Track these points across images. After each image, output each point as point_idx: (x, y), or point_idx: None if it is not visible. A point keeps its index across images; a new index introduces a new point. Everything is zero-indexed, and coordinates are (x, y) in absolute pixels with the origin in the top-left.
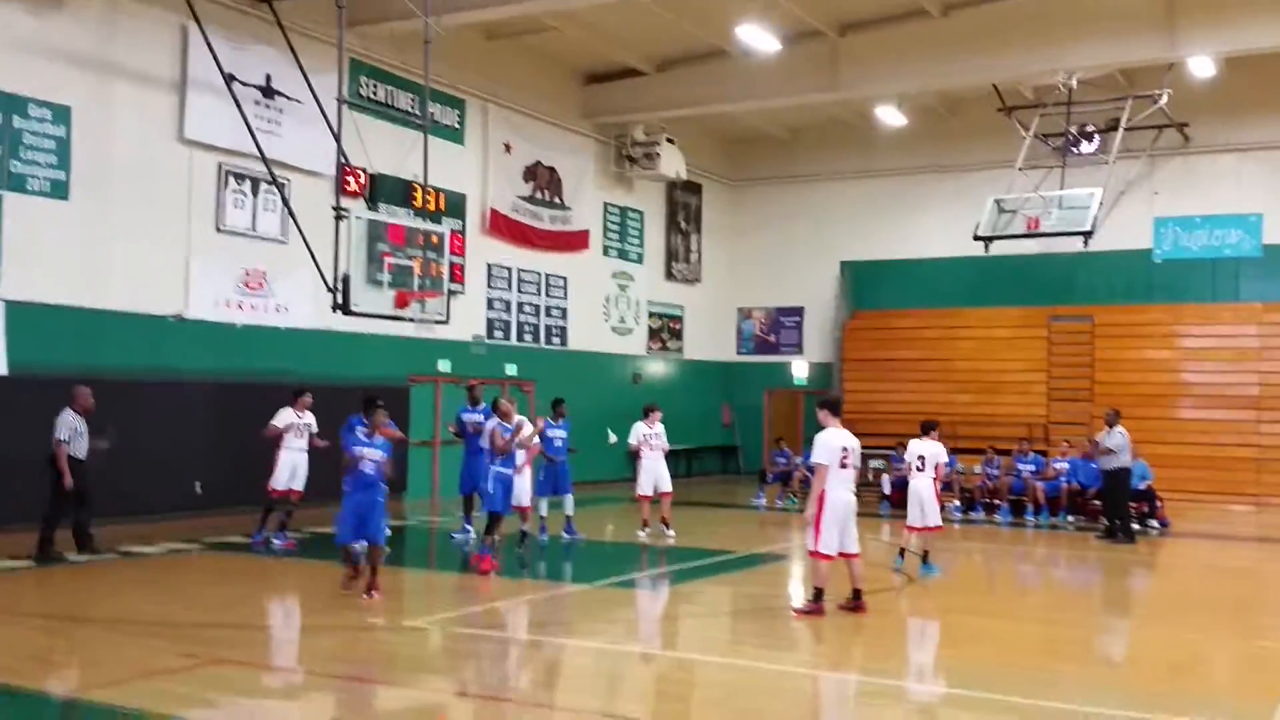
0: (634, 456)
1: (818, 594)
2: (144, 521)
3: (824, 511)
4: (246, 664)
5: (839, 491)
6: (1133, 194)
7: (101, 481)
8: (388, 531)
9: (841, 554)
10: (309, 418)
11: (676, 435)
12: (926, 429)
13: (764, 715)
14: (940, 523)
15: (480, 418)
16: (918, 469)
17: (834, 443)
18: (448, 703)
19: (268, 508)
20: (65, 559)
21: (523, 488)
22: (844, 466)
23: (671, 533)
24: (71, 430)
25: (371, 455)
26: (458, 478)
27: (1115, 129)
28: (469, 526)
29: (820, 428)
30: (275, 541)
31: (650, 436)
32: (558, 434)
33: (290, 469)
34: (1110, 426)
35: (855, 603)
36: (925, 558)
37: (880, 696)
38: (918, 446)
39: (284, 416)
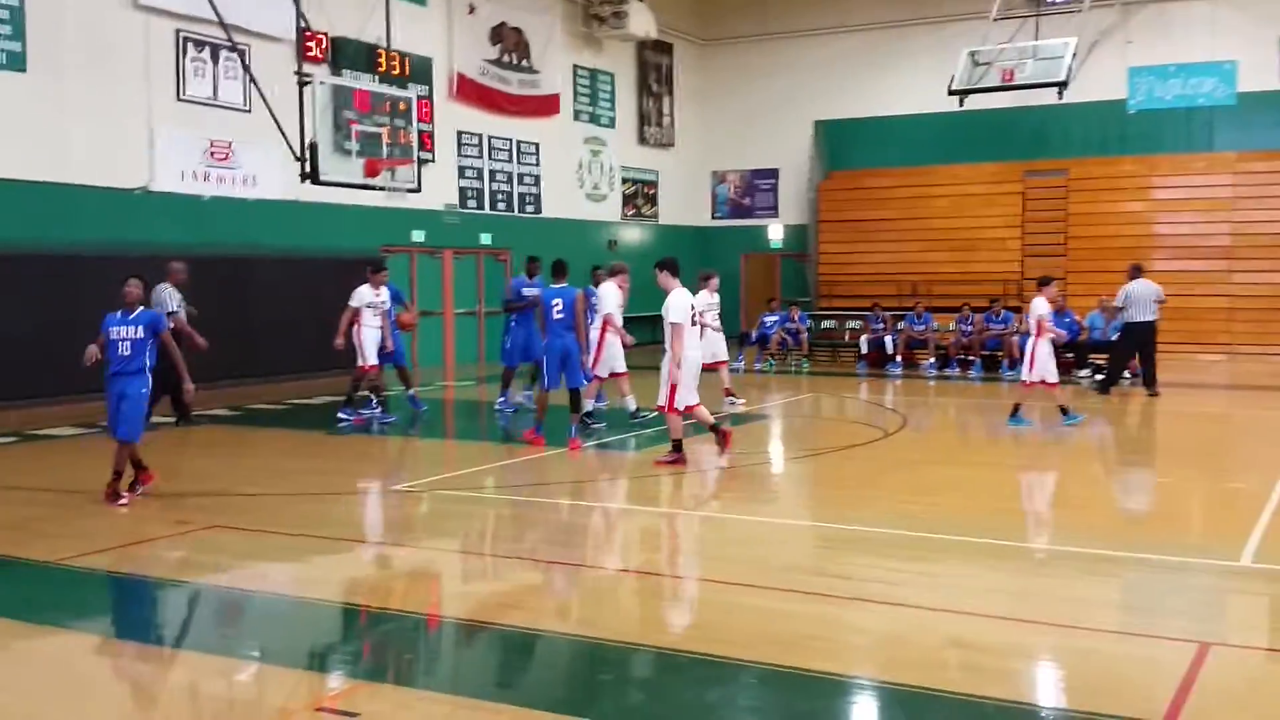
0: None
1: (677, 445)
2: None
3: (681, 370)
4: (237, 529)
5: (691, 350)
6: (1106, 44)
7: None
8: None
9: (688, 408)
10: (385, 294)
11: (653, 302)
12: (1042, 284)
13: (744, 562)
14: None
15: (537, 290)
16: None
17: (684, 302)
18: (437, 559)
19: (355, 385)
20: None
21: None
22: (693, 324)
23: (741, 401)
24: (178, 300)
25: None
26: (499, 349)
27: None
28: (507, 398)
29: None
30: (373, 413)
31: (712, 305)
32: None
33: (374, 345)
34: (1129, 280)
35: (721, 436)
36: (1066, 411)
37: (856, 542)
38: (1040, 306)
39: (361, 295)
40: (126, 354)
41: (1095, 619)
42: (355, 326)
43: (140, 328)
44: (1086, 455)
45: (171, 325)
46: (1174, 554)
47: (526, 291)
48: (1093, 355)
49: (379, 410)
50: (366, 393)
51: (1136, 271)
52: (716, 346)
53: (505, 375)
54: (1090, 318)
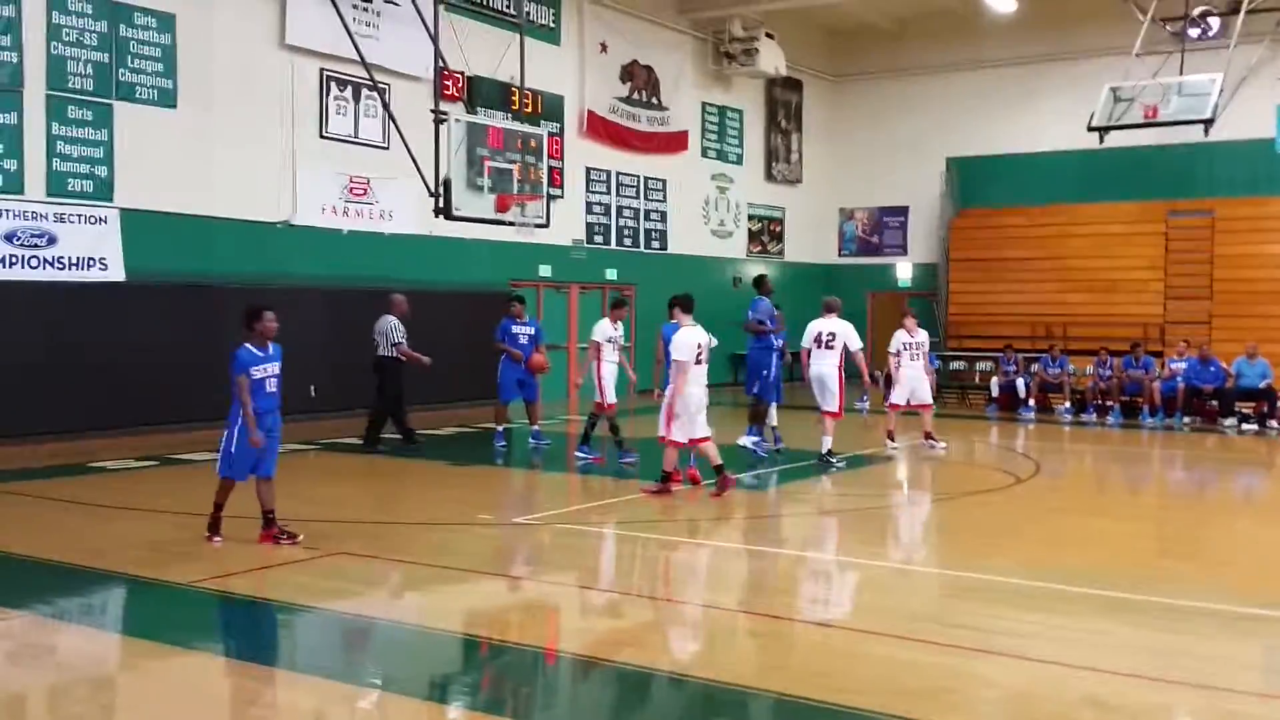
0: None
1: (665, 477)
2: None
3: (676, 405)
4: (363, 556)
5: (692, 387)
6: (1255, 80)
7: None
8: None
9: (691, 440)
10: (620, 329)
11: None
12: None
13: (870, 610)
14: None
15: (530, 329)
16: None
17: (690, 340)
18: (557, 593)
19: (592, 422)
20: (382, 450)
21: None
22: (698, 363)
23: (942, 444)
24: (401, 333)
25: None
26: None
27: (1237, 11)
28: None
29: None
30: (627, 458)
31: (911, 345)
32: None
33: (613, 381)
34: None
35: (721, 479)
36: None
37: (986, 591)
38: None
39: (602, 330)
40: (274, 390)
41: (1238, 680)
42: (596, 363)
43: (279, 363)
44: (1232, 507)
45: (397, 354)
46: None
47: (516, 330)
48: (1240, 403)
49: (620, 450)
50: (614, 433)
51: None
52: (918, 387)
53: (499, 412)
54: (1237, 364)
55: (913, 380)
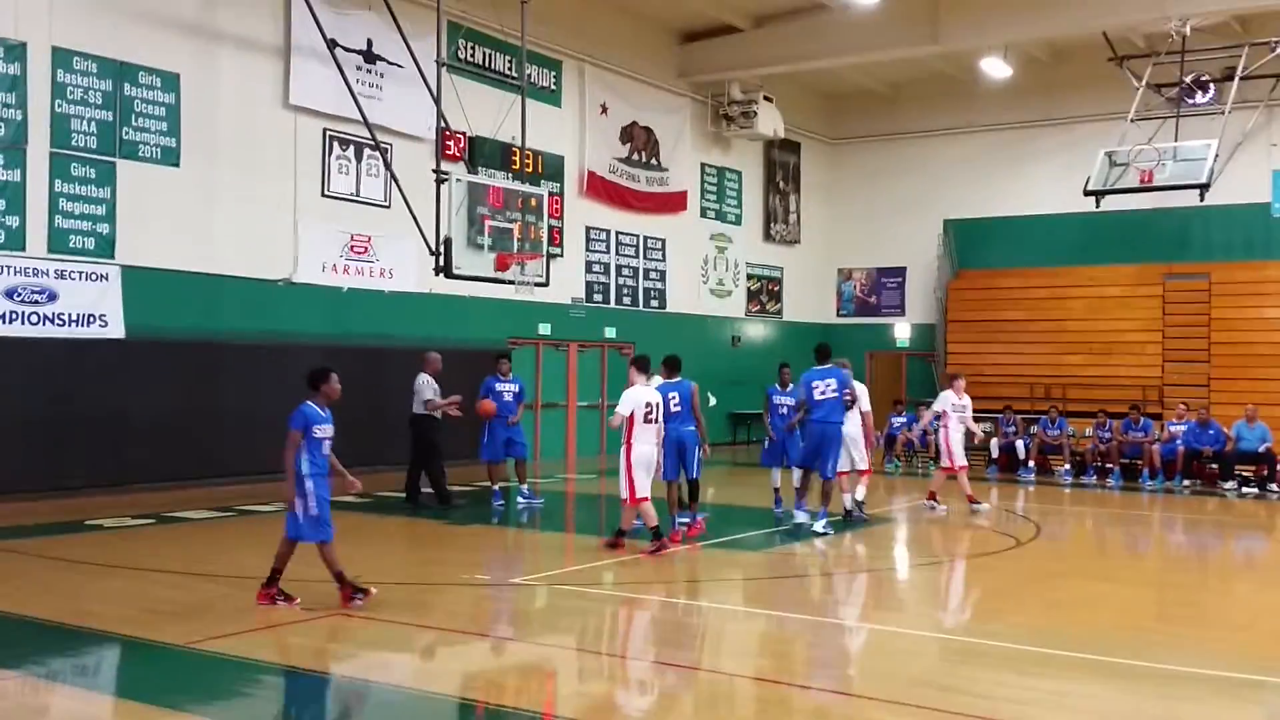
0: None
1: (656, 533)
2: (260, 481)
3: (630, 461)
4: (360, 617)
5: (641, 445)
6: (1250, 146)
7: (218, 442)
8: None
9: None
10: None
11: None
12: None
13: (871, 675)
14: None
15: (515, 386)
16: None
17: (638, 397)
18: (554, 656)
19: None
20: (424, 505)
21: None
22: (648, 421)
23: (984, 506)
24: (433, 389)
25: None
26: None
27: (1231, 78)
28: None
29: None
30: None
31: (959, 407)
32: (784, 401)
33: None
34: None
35: (657, 542)
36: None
37: (986, 656)
38: None
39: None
40: (328, 453)
41: None
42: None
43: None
44: (1232, 572)
45: (427, 410)
46: None
47: (500, 387)
48: (1239, 466)
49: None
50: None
51: None
52: (956, 449)
53: (492, 471)
54: (1236, 427)
55: (958, 444)
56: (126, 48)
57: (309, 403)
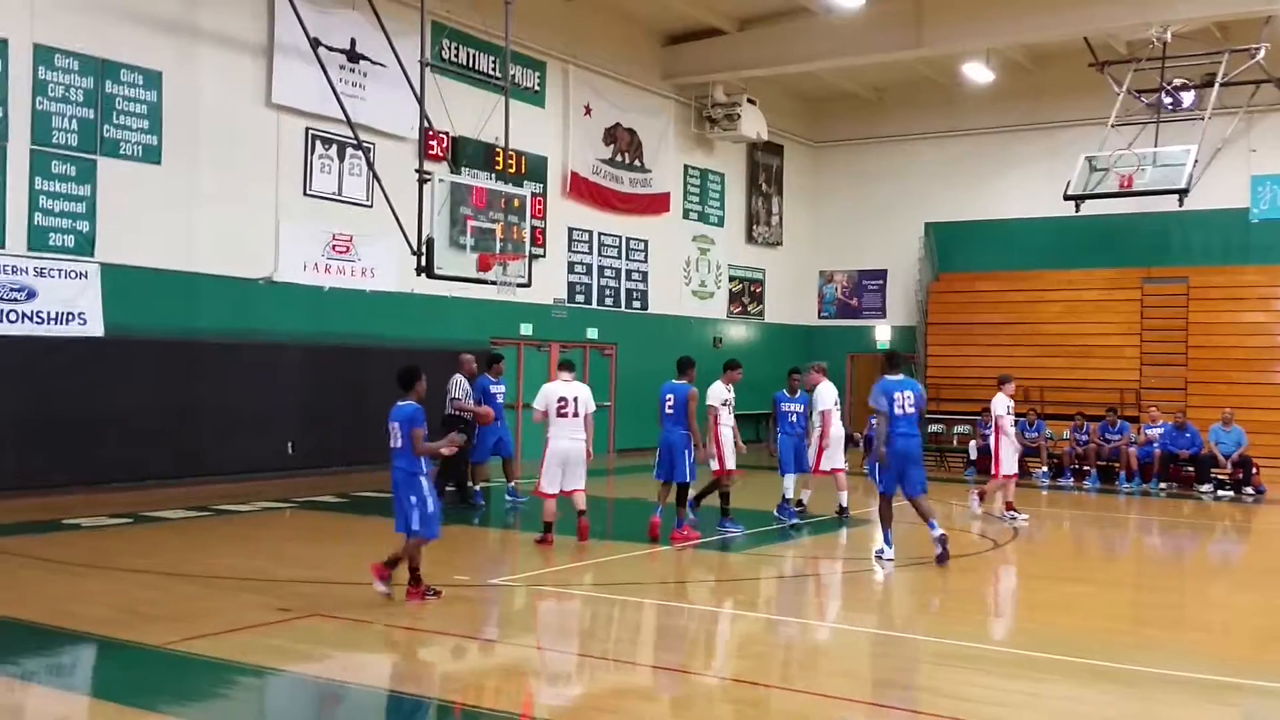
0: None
1: (546, 528)
2: (237, 480)
3: (546, 455)
4: (337, 618)
5: (558, 440)
6: (1229, 151)
7: (197, 442)
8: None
9: (563, 491)
10: (732, 392)
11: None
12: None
13: (848, 676)
14: None
15: (502, 388)
16: None
17: (551, 393)
18: (531, 656)
19: (717, 491)
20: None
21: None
22: (562, 415)
23: (1023, 517)
24: (464, 390)
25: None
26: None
27: (1211, 84)
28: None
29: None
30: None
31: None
32: (793, 408)
33: (731, 447)
34: None
35: (545, 538)
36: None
37: (964, 658)
38: None
39: (716, 393)
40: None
41: None
42: (714, 428)
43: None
44: (1208, 574)
45: (457, 411)
46: None
47: (494, 389)
48: (1215, 470)
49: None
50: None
51: None
52: (1006, 455)
53: (477, 471)
54: (1213, 431)
55: (1011, 450)
56: (108, 45)
57: (414, 404)
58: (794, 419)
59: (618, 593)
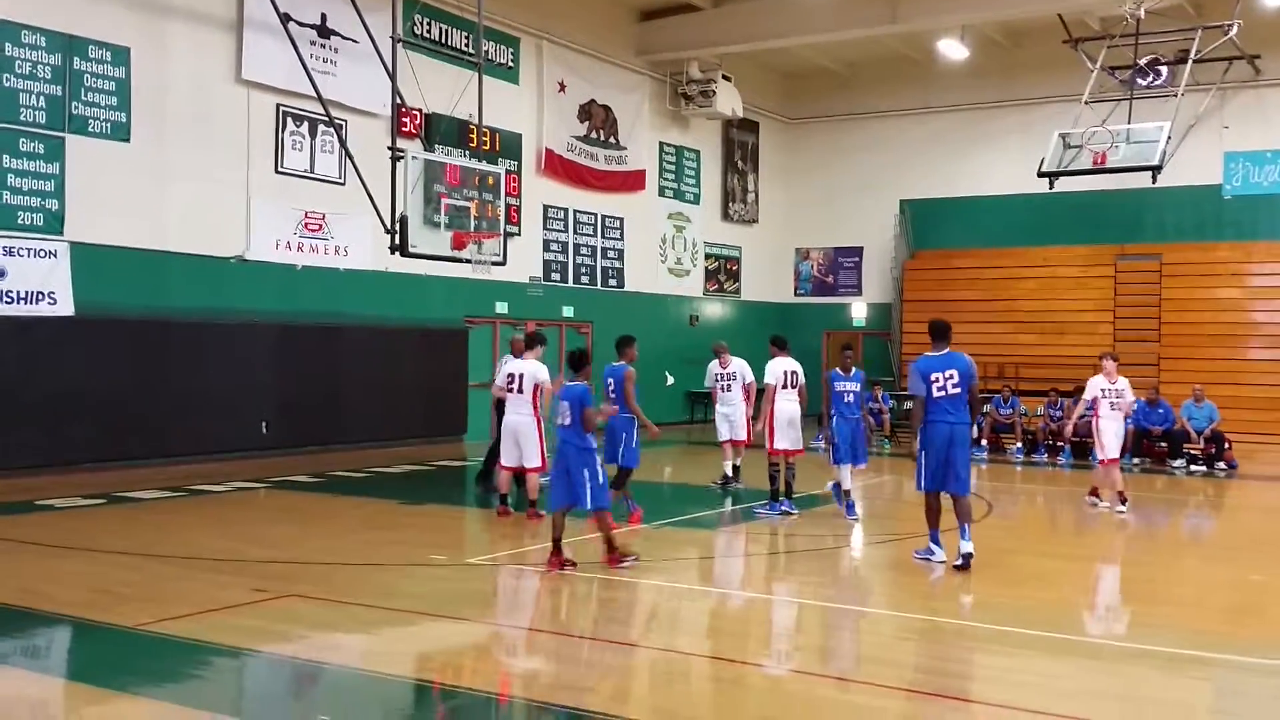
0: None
1: (503, 499)
2: (211, 460)
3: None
4: (313, 598)
5: (507, 415)
6: (1202, 128)
7: (169, 422)
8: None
9: (522, 468)
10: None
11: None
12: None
13: (825, 653)
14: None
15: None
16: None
17: (502, 370)
18: (508, 635)
19: (774, 473)
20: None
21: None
22: (510, 391)
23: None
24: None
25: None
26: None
27: (1184, 61)
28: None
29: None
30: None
31: (1110, 392)
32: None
33: (782, 422)
34: None
35: (500, 510)
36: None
37: (937, 633)
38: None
39: (773, 370)
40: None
41: None
42: (769, 405)
43: None
44: (1180, 548)
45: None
46: (1268, 656)
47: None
48: (1187, 446)
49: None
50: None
51: None
52: (1106, 439)
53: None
54: (1185, 408)
55: (1111, 433)
56: (76, 21)
57: (584, 383)
58: (850, 399)
59: (596, 571)
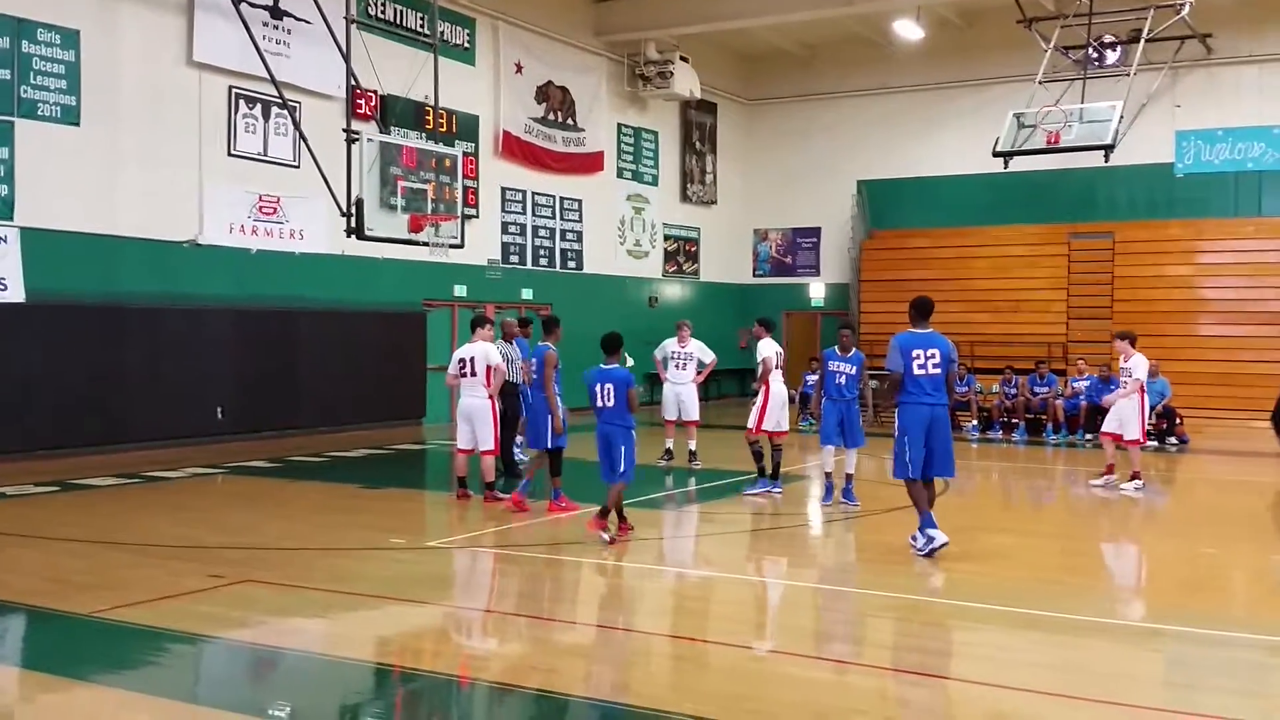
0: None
1: (461, 482)
2: (166, 446)
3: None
4: (270, 584)
5: (461, 398)
6: (1154, 107)
7: (123, 408)
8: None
9: (471, 450)
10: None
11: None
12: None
13: (785, 630)
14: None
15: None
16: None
17: (454, 354)
18: (468, 618)
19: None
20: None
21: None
22: (463, 375)
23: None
24: (504, 356)
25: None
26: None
27: (1137, 40)
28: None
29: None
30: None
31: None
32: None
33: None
34: None
35: (481, 493)
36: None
37: (897, 610)
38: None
39: (768, 346)
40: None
41: (1137, 695)
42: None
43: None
44: (1133, 523)
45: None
46: (1219, 628)
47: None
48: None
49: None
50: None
51: None
52: (1125, 416)
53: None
54: (1090, 380)
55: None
56: (24, 3)
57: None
58: (842, 380)
59: (556, 553)
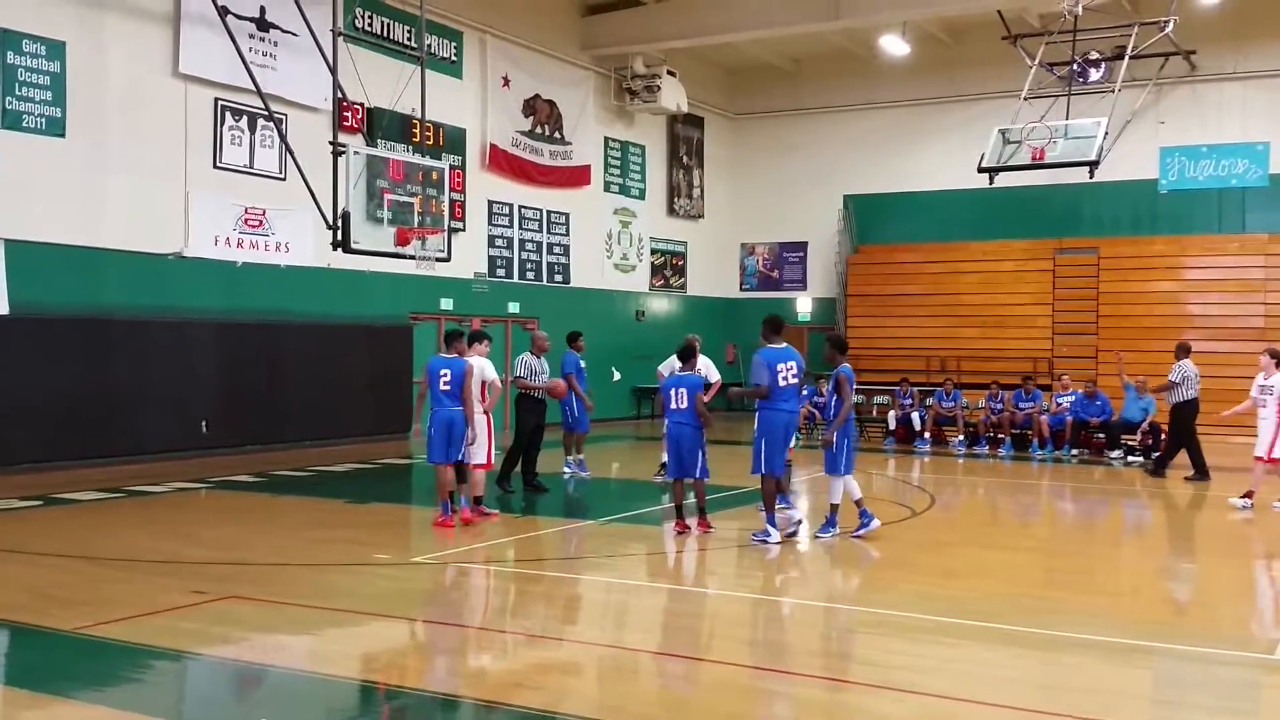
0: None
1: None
2: (150, 460)
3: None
4: (254, 600)
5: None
6: (1138, 124)
7: (107, 422)
8: None
9: (467, 464)
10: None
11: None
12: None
13: (770, 646)
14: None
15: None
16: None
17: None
18: (454, 635)
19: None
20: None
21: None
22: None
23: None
24: (529, 369)
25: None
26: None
27: (1121, 57)
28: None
29: None
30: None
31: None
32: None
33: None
34: (1179, 360)
35: (465, 511)
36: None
37: (881, 626)
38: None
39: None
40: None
41: (1119, 712)
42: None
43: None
44: (1117, 539)
45: (517, 388)
46: (1204, 645)
47: (583, 365)
48: (1125, 436)
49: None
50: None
51: (1184, 351)
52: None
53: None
54: (1075, 396)
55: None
56: (9, 14)
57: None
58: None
59: (542, 569)
